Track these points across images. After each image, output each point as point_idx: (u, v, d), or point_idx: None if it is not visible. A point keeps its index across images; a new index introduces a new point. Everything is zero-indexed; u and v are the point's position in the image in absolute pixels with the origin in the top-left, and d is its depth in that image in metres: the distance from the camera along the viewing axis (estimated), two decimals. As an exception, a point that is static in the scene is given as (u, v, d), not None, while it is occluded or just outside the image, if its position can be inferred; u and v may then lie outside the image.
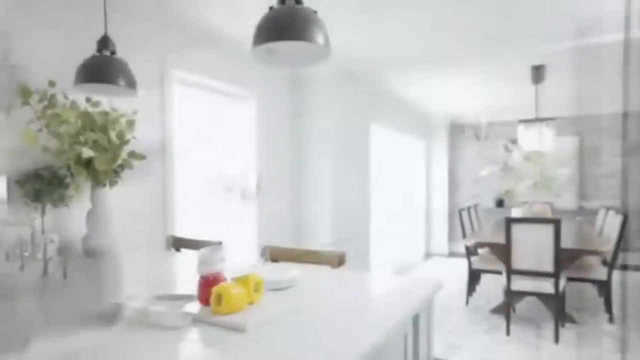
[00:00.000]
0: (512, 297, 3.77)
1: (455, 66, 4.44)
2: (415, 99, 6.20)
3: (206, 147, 3.49)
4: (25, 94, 2.00)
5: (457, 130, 8.12)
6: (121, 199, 2.59)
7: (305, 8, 1.34)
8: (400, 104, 6.35)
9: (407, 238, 7.05)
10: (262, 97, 4.00)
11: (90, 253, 2.24)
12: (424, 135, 7.74)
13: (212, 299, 1.18)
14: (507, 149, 7.44)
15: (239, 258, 2.08)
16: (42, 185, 2.09)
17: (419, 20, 3.12)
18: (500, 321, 4.01)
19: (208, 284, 1.23)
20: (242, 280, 1.24)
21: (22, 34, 2.23)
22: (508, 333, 3.73)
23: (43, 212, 2.20)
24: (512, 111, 6.83)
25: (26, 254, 1.89)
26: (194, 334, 1.10)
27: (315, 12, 1.36)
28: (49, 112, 2.00)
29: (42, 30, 2.30)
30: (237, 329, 1.10)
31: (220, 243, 2.38)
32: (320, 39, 1.28)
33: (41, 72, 2.19)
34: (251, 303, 1.25)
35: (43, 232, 2.21)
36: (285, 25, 1.25)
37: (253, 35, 1.31)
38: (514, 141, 7.04)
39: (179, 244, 2.85)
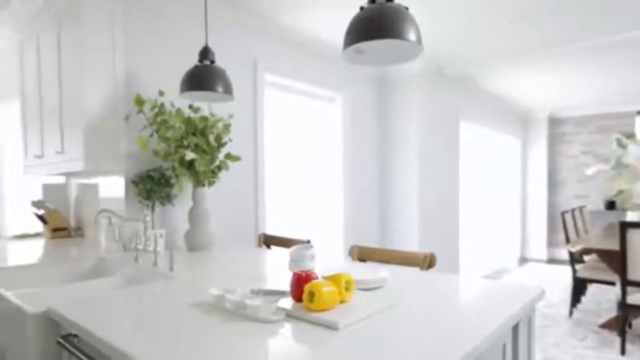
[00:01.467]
0: (628, 311, 3.37)
1: (552, 56, 4.08)
2: (508, 93, 5.82)
3: (294, 148, 3.60)
4: (139, 103, 2.23)
5: (557, 125, 7.45)
6: (218, 198, 2.78)
7: (396, 5, 1.31)
8: (491, 99, 6.00)
9: (500, 241, 6.63)
10: (348, 98, 4.03)
11: (192, 247, 2.43)
12: (520, 131, 7.22)
13: (305, 296, 1.21)
14: (620, 144, 6.65)
15: (326, 257, 2.11)
16: (152, 185, 2.32)
17: (513, 8, 2.92)
18: (612, 338, 3.61)
19: (300, 281, 1.26)
20: (333, 279, 1.26)
21: (135, 49, 2.50)
22: (623, 352, 3.34)
23: (153, 209, 2.44)
24: (627, 101, 6.10)
25: (140, 246, 2.11)
26: (286, 329, 1.14)
27: (406, 8, 1.33)
28: (159, 118, 2.21)
29: (153, 45, 2.56)
30: (330, 326, 1.12)
31: (308, 241, 2.44)
32: (412, 36, 1.25)
33: (152, 83, 2.44)
34: (342, 302, 1.26)
35: (153, 227, 2.44)
36: (375, 24, 1.24)
37: (344, 36, 1.32)
38: (630, 135, 6.28)
39: (269, 241, 2.97)
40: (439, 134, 4.60)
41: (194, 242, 2.42)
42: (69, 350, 1.24)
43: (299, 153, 3.67)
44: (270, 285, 1.57)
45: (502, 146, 6.69)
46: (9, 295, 1.55)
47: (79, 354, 1.19)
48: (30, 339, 1.37)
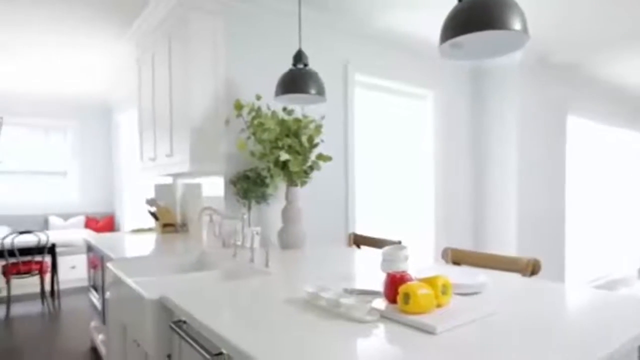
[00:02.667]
0: None
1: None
2: (626, 82, 5.17)
3: (384, 148, 3.56)
4: (238, 107, 2.37)
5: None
6: (310, 197, 2.85)
7: (498, -7, 1.23)
8: (606, 90, 5.38)
9: (616, 248, 5.93)
10: (439, 95, 3.89)
11: (285, 245, 2.52)
12: (640, 126, 6.39)
13: (399, 298, 1.19)
14: None
15: (416, 258, 2.05)
16: (249, 185, 2.45)
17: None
18: None
19: (395, 282, 1.24)
20: (429, 281, 1.22)
21: (234, 57, 2.66)
22: None
23: (249, 208, 2.57)
24: None
25: (238, 243, 2.24)
26: (380, 330, 1.13)
27: (509, -6, 1.23)
28: (256, 121, 2.33)
29: (250, 52, 2.71)
30: (426, 330, 1.09)
31: (399, 242, 2.40)
32: (517, 25, 1.16)
33: (250, 88, 2.59)
34: (439, 306, 1.22)
35: (249, 224, 2.58)
36: (476, 15, 1.16)
37: (441, 31, 1.27)
38: None
39: (359, 241, 2.97)
40: (542, 131, 4.24)
41: (287, 240, 2.50)
42: (179, 335, 1.36)
43: (389, 153, 3.63)
44: (362, 285, 1.57)
45: (619, 142, 5.97)
46: (130, 282, 1.74)
47: (188, 339, 1.29)
48: (147, 321, 1.52)
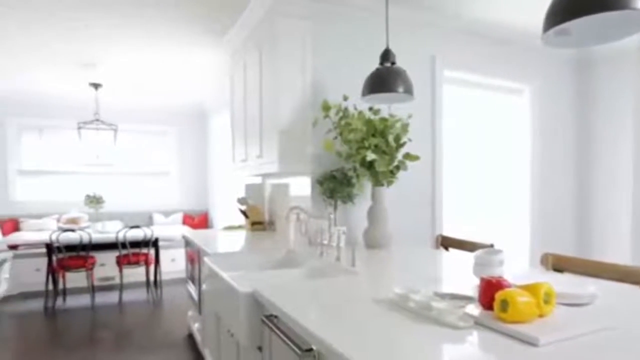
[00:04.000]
0: None
1: None
2: None
3: (475, 147, 3.39)
4: (326, 108, 2.41)
5: None
6: (396, 197, 2.80)
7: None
8: None
9: None
10: (537, 89, 3.60)
11: (370, 245, 2.50)
12: None
13: (496, 304, 1.12)
14: None
15: (509, 263, 1.90)
16: (335, 185, 2.47)
17: None
18: None
19: (491, 288, 1.17)
20: (529, 288, 1.13)
21: (322, 59, 2.71)
22: None
23: (335, 207, 2.60)
24: None
25: (325, 242, 2.27)
26: (475, 337, 1.07)
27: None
28: (343, 122, 2.35)
29: (337, 53, 2.74)
30: (527, 341, 1.01)
31: (492, 246, 2.26)
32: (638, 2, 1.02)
33: (337, 88, 2.62)
34: (541, 315, 1.12)
35: (335, 224, 2.60)
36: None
37: (545, 17, 1.17)
38: None
39: (447, 243, 2.86)
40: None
41: (373, 240, 2.48)
42: (270, 328, 1.41)
43: (480, 152, 3.44)
44: (452, 289, 1.51)
45: None
46: (225, 276, 1.85)
47: (279, 333, 1.33)
48: (240, 314, 1.60)
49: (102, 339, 3.71)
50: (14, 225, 5.96)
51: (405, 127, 2.43)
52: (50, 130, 6.44)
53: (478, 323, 1.14)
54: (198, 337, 3.25)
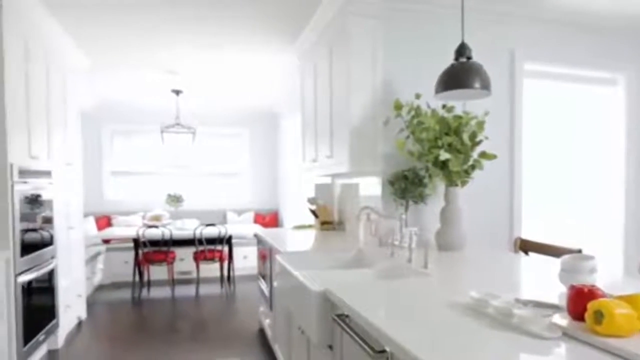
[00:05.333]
0: None
1: None
2: None
3: (559, 142, 3.15)
4: (397, 107, 2.37)
5: None
6: (470, 197, 2.69)
7: None
8: None
9: None
10: (634, 78, 3.26)
11: (444, 246, 2.42)
12: None
13: (588, 315, 1.02)
14: None
15: (601, 270, 1.73)
16: (407, 185, 2.42)
17: None
18: None
19: (582, 297, 1.08)
20: (629, 299, 1.02)
21: (393, 57, 2.67)
22: None
23: (406, 208, 2.54)
24: None
25: (396, 242, 2.23)
26: (563, 349, 0.99)
27: None
28: (415, 120, 2.30)
29: (409, 51, 2.69)
30: (628, 358, 0.91)
31: (579, 251, 2.09)
32: None
33: (409, 87, 2.57)
34: (643, 330, 1.01)
35: (406, 225, 2.55)
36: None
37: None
38: None
39: (527, 246, 2.69)
40: None
41: (445, 242, 2.40)
42: (342, 328, 1.41)
43: (566, 149, 3.19)
44: (535, 296, 1.41)
45: None
46: (297, 274, 1.88)
47: (350, 332, 1.33)
48: (312, 312, 1.62)
49: (181, 329, 3.95)
50: (107, 222, 6.55)
51: (481, 125, 2.32)
52: (137, 135, 6.99)
53: (567, 334, 1.06)
54: (269, 332, 3.35)
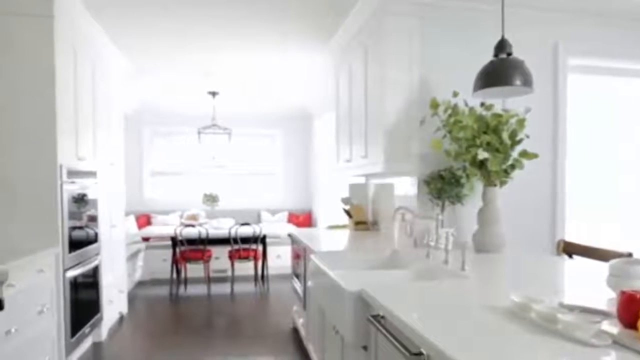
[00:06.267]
0: None
1: None
2: None
3: (607, 140, 3.00)
4: (434, 106, 2.33)
5: None
6: (509, 198, 2.60)
7: None
8: None
9: None
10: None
11: (481, 248, 2.35)
12: None
13: (641, 323, 0.97)
14: None
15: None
16: (443, 185, 2.38)
17: None
18: None
19: (635, 304, 1.02)
20: (687, 308, 0.96)
21: (429, 55, 2.62)
22: None
23: (443, 208, 2.49)
24: None
25: (431, 243, 2.19)
26: (612, 358, 0.94)
27: None
28: (452, 119, 2.25)
29: (446, 48, 2.64)
30: (685, 368, 0.86)
31: (630, 255, 1.98)
32: None
33: (446, 85, 2.52)
34: (703, 340, 0.95)
35: (442, 225, 2.50)
36: None
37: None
38: None
39: (571, 249, 2.58)
40: None
41: (483, 243, 2.34)
42: (377, 328, 1.40)
43: (614, 147, 3.04)
44: (581, 301, 1.35)
45: None
46: (331, 273, 1.88)
47: (386, 333, 1.32)
48: (346, 312, 1.62)
49: (217, 325, 4.04)
50: (147, 220, 6.78)
51: (521, 123, 2.24)
52: (175, 136, 7.20)
53: (617, 342, 1.01)
54: (302, 331, 3.37)
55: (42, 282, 2.52)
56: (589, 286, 1.64)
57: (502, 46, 1.95)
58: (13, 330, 2.13)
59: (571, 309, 1.22)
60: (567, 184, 2.79)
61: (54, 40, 2.67)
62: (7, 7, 2.57)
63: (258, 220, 7.17)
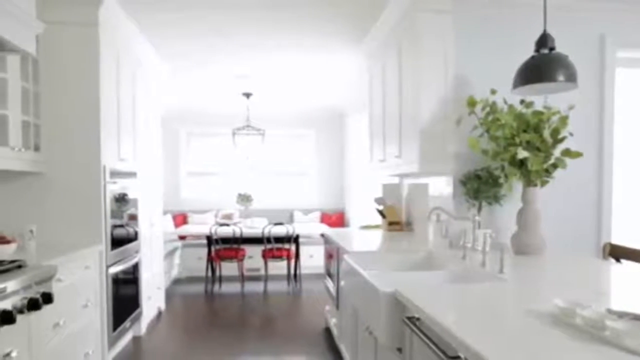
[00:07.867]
0: None
1: None
2: None
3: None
4: (471, 104, 2.28)
5: None
6: (550, 198, 2.51)
7: None
8: None
9: None
10: None
11: (520, 250, 2.28)
12: None
13: (699, 331, 0.91)
14: None
15: None
16: (480, 185, 2.32)
17: None
18: None
19: (691, 311, 0.96)
20: None
21: (465, 53, 2.56)
22: None
23: (479, 209, 2.43)
24: None
25: (468, 244, 2.14)
26: (667, 368, 0.88)
27: None
28: (490, 117, 2.19)
29: (482, 45, 2.57)
30: None
31: (683, 261, 1.87)
32: None
33: (483, 83, 2.45)
34: None
35: (479, 226, 2.43)
36: None
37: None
38: None
39: (618, 253, 2.46)
40: None
41: (523, 245, 2.26)
42: (412, 330, 1.37)
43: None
44: (630, 308, 1.28)
45: None
46: (365, 274, 1.87)
47: (422, 335, 1.29)
48: (381, 313, 1.60)
49: (250, 323, 4.09)
50: (183, 219, 6.96)
51: (564, 120, 2.15)
52: (210, 137, 7.36)
53: (673, 352, 0.95)
54: (335, 331, 3.36)
55: (87, 277, 2.64)
56: (636, 291, 1.56)
57: (544, 41, 1.88)
58: (61, 322, 2.24)
59: (620, 315, 1.16)
60: (614, 184, 2.66)
61: (100, 47, 2.79)
62: (53, 16, 2.69)
63: (291, 220, 7.22)
